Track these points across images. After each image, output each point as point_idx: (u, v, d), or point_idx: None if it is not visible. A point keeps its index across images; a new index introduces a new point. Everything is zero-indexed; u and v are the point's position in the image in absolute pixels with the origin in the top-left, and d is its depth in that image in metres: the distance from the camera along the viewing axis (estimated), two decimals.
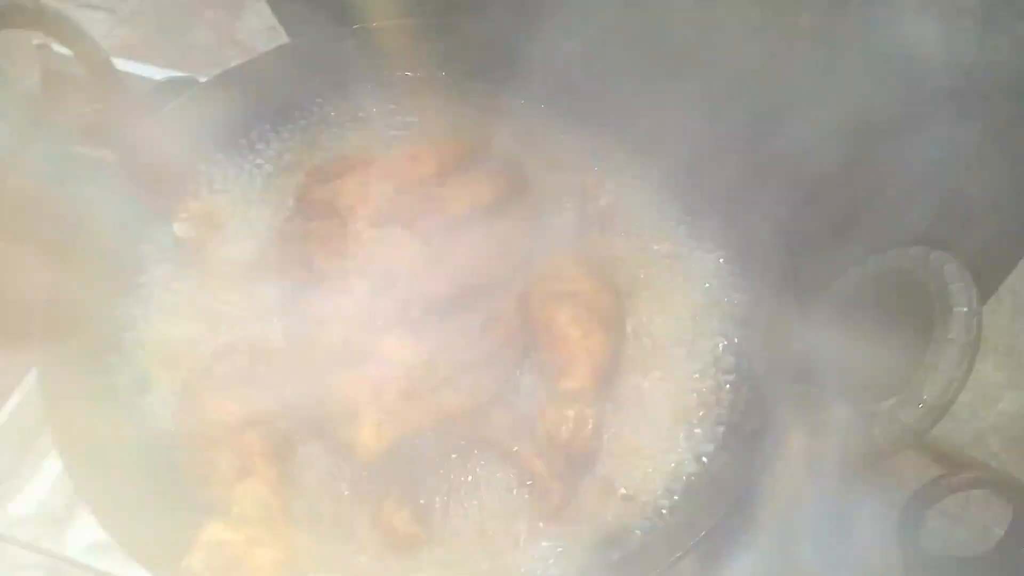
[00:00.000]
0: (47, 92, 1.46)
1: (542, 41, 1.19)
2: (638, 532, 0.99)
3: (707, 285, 1.18)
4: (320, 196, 1.11)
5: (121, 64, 1.23)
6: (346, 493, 0.99)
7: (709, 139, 1.16)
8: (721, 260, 1.19)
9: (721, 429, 1.08)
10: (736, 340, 1.13)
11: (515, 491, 1.00)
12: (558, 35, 1.18)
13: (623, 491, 1.04)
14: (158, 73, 1.51)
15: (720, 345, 1.14)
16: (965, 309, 0.83)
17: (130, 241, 1.15)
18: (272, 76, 1.28)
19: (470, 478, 1.01)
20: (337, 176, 1.13)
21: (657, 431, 1.08)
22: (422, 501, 0.98)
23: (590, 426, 0.92)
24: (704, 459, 1.06)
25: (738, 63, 1.11)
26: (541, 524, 0.98)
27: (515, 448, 0.98)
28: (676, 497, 1.03)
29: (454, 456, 1.01)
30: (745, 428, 1.05)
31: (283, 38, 1.50)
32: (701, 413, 1.10)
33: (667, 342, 1.13)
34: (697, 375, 1.12)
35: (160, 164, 1.20)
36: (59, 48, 1.33)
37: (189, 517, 0.93)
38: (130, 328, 1.12)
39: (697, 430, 1.09)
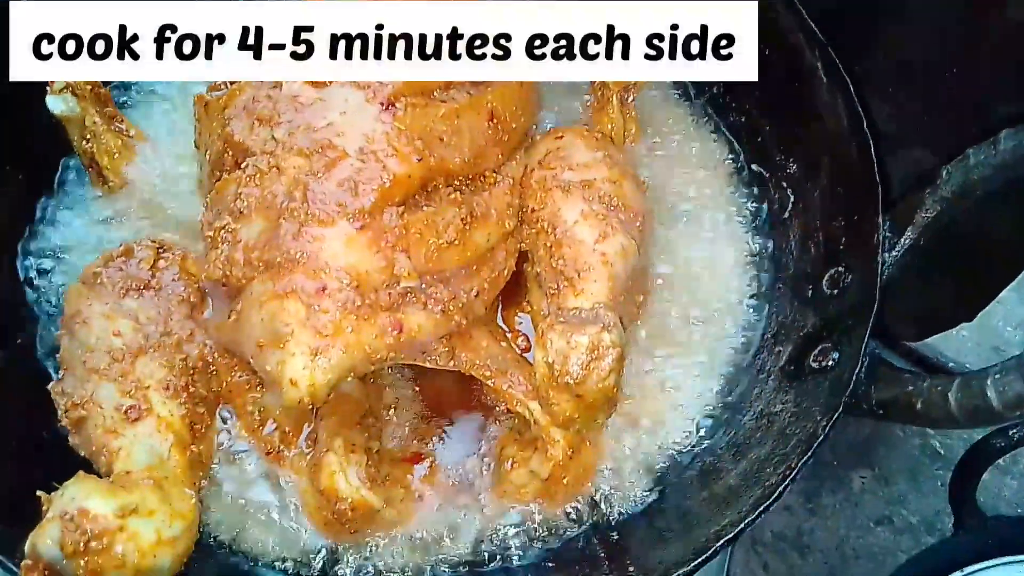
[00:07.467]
0: None
1: None
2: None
3: (748, 190, 0.93)
4: None
5: None
6: (278, 443, 0.74)
7: None
8: (779, 159, 0.91)
9: (773, 368, 0.84)
10: (792, 261, 0.88)
11: (502, 446, 0.76)
12: None
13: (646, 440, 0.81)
14: None
15: (762, 269, 0.89)
16: None
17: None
18: None
19: (444, 428, 0.76)
20: None
21: (686, 363, 0.84)
22: (377, 456, 0.73)
23: (610, 358, 0.65)
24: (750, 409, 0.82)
25: None
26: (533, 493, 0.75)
27: (504, 386, 0.72)
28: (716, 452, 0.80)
29: (419, 396, 0.76)
30: (806, 367, 0.80)
31: None
32: (740, 344, 0.86)
33: (697, 263, 0.89)
34: (740, 300, 0.88)
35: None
36: None
37: (55, 476, 0.68)
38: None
39: (742, 369, 0.85)
